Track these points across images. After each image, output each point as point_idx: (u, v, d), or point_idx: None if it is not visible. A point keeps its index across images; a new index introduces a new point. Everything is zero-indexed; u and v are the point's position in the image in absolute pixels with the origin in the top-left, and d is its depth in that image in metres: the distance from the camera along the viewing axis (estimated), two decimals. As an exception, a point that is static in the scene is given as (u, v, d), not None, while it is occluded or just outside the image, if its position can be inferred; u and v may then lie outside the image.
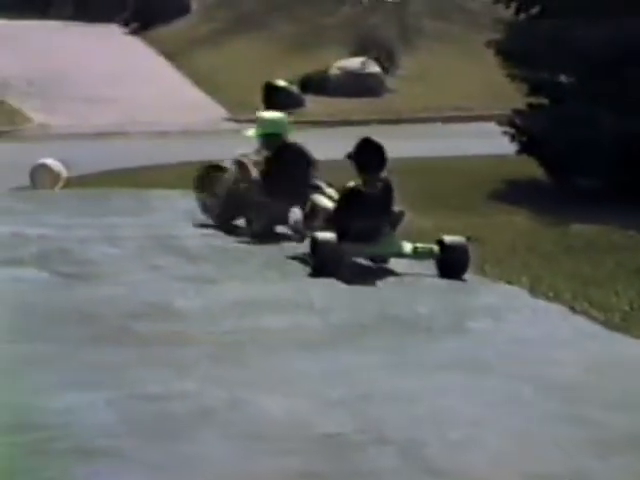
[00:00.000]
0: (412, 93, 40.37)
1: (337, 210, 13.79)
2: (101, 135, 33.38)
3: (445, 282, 13.03)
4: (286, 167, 15.56)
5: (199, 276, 12.93)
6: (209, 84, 42.39)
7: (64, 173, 22.12)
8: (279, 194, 15.03)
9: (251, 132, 16.21)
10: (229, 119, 38.97)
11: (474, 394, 8.94)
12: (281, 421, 8.15)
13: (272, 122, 16.49)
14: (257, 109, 38.44)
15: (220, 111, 40.07)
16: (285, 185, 15.18)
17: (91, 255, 14.01)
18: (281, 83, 39.76)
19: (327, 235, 13.18)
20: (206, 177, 16.32)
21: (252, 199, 15.47)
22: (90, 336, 10.32)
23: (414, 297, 12.23)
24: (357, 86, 41.44)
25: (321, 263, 13.11)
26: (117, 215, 16.89)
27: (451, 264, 13.45)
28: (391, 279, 13.13)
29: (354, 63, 42.84)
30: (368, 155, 13.76)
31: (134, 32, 51.08)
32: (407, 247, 13.54)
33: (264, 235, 15.08)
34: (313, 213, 14.12)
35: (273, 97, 39.73)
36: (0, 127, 36.82)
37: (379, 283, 12.92)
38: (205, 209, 16.27)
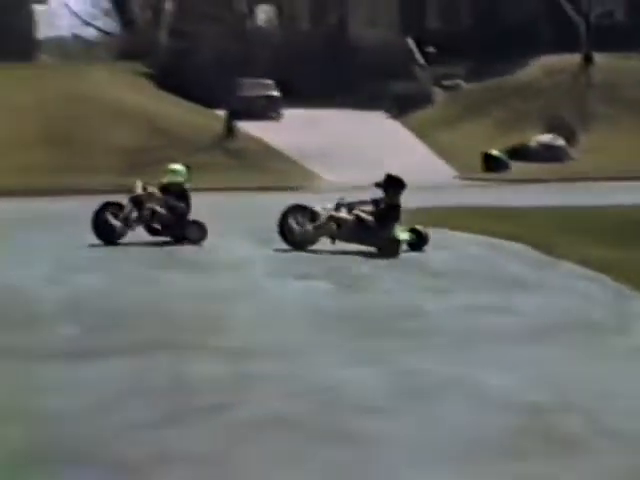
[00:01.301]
0: (587, 160, 39.98)
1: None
2: (369, 188, 33.39)
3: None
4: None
5: (437, 287, 12.79)
6: (445, 153, 42.63)
7: (343, 215, 22.28)
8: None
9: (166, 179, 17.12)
10: (458, 177, 39.26)
11: None
12: (496, 394, 8.02)
13: (174, 172, 17.17)
14: (473, 170, 38.83)
15: (452, 172, 40.16)
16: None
17: (360, 271, 14.05)
18: (495, 152, 40.27)
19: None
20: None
21: None
22: (361, 330, 10.35)
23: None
24: (548, 155, 41.82)
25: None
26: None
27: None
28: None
29: (547, 138, 43.39)
30: (389, 183, 16.57)
31: (394, 116, 51.20)
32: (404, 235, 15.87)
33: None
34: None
35: (489, 162, 39.96)
36: (302, 183, 37.42)
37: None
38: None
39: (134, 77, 52.97)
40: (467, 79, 52.67)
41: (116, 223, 16.42)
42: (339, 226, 15.97)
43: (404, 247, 15.78)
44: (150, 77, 54.55)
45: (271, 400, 7.80)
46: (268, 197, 30.52)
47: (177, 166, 17.60)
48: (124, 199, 16.74)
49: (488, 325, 10.55)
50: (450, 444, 6.78)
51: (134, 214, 16.60)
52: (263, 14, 59.54)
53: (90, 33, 73.73)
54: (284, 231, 16.32)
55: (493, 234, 17.25)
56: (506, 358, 9.17)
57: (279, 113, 50.12)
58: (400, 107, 51.24)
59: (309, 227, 16.14)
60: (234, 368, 8.69)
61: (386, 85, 51.41)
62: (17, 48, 53.82)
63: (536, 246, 15.93)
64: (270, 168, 40.87)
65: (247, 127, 44.93)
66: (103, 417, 7.34)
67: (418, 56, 54.53)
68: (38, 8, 62.98)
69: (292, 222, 16.34)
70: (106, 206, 16.47)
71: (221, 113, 46.26)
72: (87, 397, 7.83)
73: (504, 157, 40.62)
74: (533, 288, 12.77)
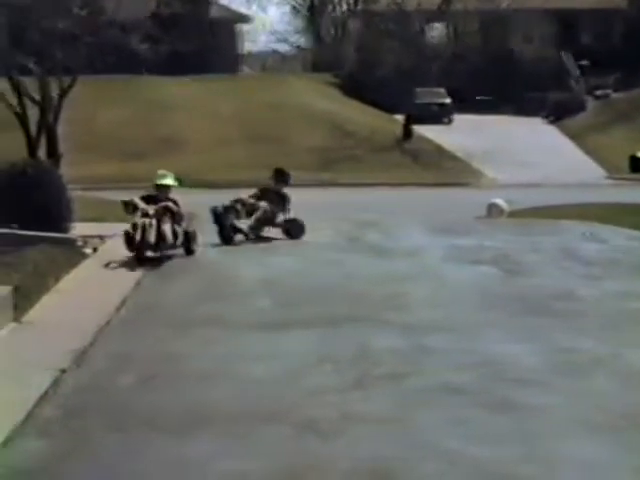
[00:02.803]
0: None
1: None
2: (528, 186, 32.97)
3: None
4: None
5: (590, 274, 12.45)
6: (596, 155, 41.69)
7: (507, 208, 21.97)
8: None
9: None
10: (608, 177, 38.24)
11: None
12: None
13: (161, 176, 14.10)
14: (621, 171, 37.83)
15: (602, 172, 39.22)
16: None
17: (522, 259, 13.82)
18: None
19: None
20: None
21: None
22: (523, 310, 10.17)
23: None
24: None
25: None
26: (538, 235, 16.62)
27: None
28: None
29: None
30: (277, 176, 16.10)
31: (551, 122, 50.46)
32: None
33: None
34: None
35: (636, 164, 38.81)
36: (469, 180, 37.22)
37: None
38: None
39: (324, 86, 53.37)
40: (616, 89, 52.07)
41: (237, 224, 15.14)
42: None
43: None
44: (338, 86, 54.95)
45: (442, 371, 7.74)
46: (440, 192, 30.43)
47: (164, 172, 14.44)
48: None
49: (638, 310, 10.21)
50: (601, 416, 6.60)
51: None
52: (436, 31, 59.30)
53: (286, 48, 74.60)
54: (226, 231, 14.72)
55: (642, 229, 16.76)
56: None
57: (450, 118, 49.98)
58: (556, 114, 50.60)
59: (250, 221, 15.15)
60: (410, 341, 8.65)
61: (544, 95, 50.79)
62: (223, 62, 54.86)
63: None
64: (441, 166, 40.70)
65: (422, 130, 44.90)
66: (295, 382, 7.38)
67: (573, 68, 53.92)
68: (243, 27, 64.11)
69: (231, 220, 14.89)
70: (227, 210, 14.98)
71: (399, 118, 46.31)
72: (281, 364, 7.89)
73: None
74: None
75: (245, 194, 15.60)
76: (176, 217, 13.19)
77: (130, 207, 13.45)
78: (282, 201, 15.72)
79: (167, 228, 12.89)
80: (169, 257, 13.04)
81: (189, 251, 13.30)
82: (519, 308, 10.25)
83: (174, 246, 13.09)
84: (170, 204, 13.28)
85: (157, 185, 13.83)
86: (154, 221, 12.82)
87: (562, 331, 9.17)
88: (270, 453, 5.81)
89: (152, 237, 12.66)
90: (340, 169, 38.57)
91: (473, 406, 6.78)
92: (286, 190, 15.98)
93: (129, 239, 12.76)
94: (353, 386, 7.26)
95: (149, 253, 12.83)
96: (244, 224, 15.09)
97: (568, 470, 5.67)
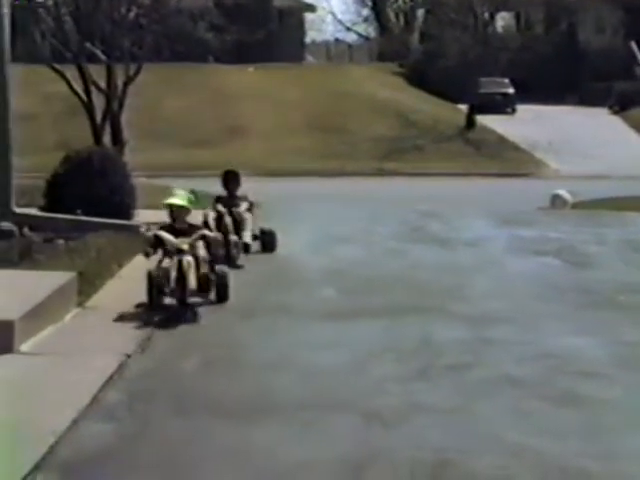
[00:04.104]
0: None
1: None
2: (592, 177, 32.67)
3: None
4: None
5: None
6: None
7: (570, 200, 21.83)
8: None
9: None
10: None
11: None
12: None
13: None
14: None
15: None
16: None
17: (587, 250, 13.67)
18: None
19: None
20: None
21: None
22: (587, 302, 10.05)
23: None
24: None
25: None
26: (602, 227, 16.44)
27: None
28: None
29: None
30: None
31: (615, 113, 49.87)
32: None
33: None
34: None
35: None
36: (531, 170, 36.94)
37: None
38: None
39: (389, 76, 53.26)
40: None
41: None
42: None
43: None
44: (402, 76, 54.82)
45: (505, 362, 7.67)
46: (503, 182, 30.24)
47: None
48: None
49: None
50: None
51: None
52: (502, 21, 58.92)
53: (351, 37, 74.55)
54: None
55: None
56: None
57: (513, 108, 49.65)
58: (621, 104, 49.94)
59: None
60: (473, 332, 8.60)
61: (609, 84, 50.18)
62: (289, 51, 55.04)
63: None
64: (504, 156, 40.47)
65: (485, 120, 44.63)
66: (360, 371, 7.37)
67: (640, 59, 53.25)
68: (308, 16, 64.23)
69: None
70: None
71: (463, 107, 46.06)
72: (346, 353, 7.88)
73: None
74: None
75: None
76: (212, 247, 9.48)
77: (153, 243, 9.51)
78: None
79: (206, 268, 9.30)
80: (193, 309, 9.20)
81: (221, 297, 9.41)
82: (583, 300, 10.13)
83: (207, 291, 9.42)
84: (205, 231, 9.70)
85: (170, 207, 9.62)
86: (191, 259, 9.04)
87: (627, 324, 9.05)
88: (334, 442, 5.81)
89: (193, 281, 9.04)
90: (403, 159, 38.49)
91: (536, 398, 6.73)
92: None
93: (156, 285, 8.96)
94: (416, 376, 7.24)
95: (167, 300, 9.10)
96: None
97: (632, 465, 5.60)
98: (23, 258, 10.84)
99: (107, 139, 25.73)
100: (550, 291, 10.65)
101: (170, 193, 9.69)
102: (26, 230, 12.49)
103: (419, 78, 51.95)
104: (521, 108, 48.53)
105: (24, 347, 7.63)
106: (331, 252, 13.19)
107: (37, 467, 5.25)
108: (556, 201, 21.78)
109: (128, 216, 14.62)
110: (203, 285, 9.18)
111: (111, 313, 8.85)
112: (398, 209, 18.29)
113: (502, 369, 7.46)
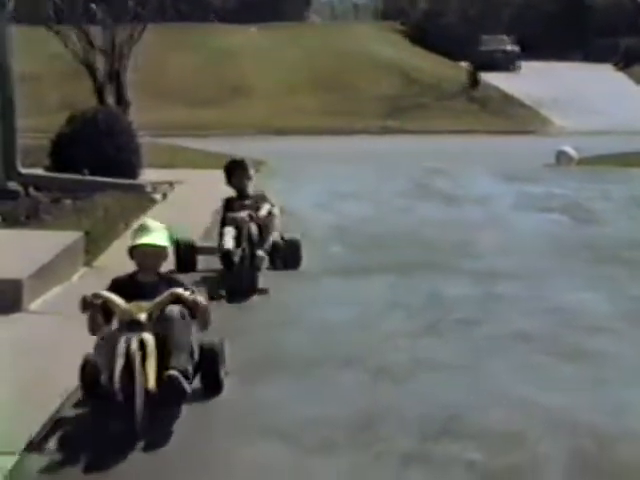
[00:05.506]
0: None
1: None
2: (597, 133, 32.48)
3: None
4: None
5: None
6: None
7: (576, 156, 21.75)
8: None
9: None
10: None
11: None
12: None
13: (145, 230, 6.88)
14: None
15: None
16: None
17: (593, 207, 13.63)
18: None
19: None
20: None
21: None
22: (593, 258, 10.04)
23: None
24: None
25: None
26: (608, 183, 16.39)
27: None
28: None
29: None
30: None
31: (620, 69, 49.63)
32: None
33: None
34: None
35: None
36: (537, 127, 36.80)
37: None
38: None
39: (391, 34, 52.99)
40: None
41: None
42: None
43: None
44: (404, 34, 54.56)
45: (513, 318, 7.67)
46: (508, 139, 30.12)
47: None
48: None
49: None
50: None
51: None
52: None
53: (357, -4, 74.22)
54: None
55: None
56: None
57: (517, 65, 49.48)
58: (626, 60, 49.69)
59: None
60: (481, 288, 8.59)
61: (615, 40, 49.93)
62: (291, 9, 54.74)
63: None
64: (509, 114, 40.31)
65: (488, 77, 44.44)
66: (369, 327, 7.37)
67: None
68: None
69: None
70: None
71: (465, 65, 45.89)
72: (355, 309, 7.87)
73: None
74: None
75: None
76: (197, 314, 5.71)
77: (95, 309, 5.61)
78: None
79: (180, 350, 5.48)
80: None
81: (213, 384, 5.82)
82: (589, 256, 10.12)
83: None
84: (179, 290, 5.68)
85: (138, 247, 5.91)
86: (150, 337, 5.33)
87: (633, 279, 9.05)
88: (345, 397, 5.81)
89: (152, 375, 5.19)
90: (407, 117, 38.35)
91: (544, 353, 6.72)
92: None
93: (90, 376, 5.47)
94: (425, 332, 7.24)
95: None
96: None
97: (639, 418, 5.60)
98: (30, 218, 10.83)
99: (111, 101, 25.60)
100: (557, 247, 10.64)
101: (141, 229, 5.99)
102: (32, 190, 12.47)
103: (421, 36, 51.71)
104: (526, 65, 48.32)
105: (33, 306, 7.63)
106: (338, 209, 13.16)
107: (47, 426, 5.26)
108: (561, 158, 21.70)
109: (134, 175, 14.58)
110: (164, 384, 5.22)
111: (118, 273, 8.81)
112: (404, 166, 18.24)
113: (510, 324, 7.45)
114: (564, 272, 9.37)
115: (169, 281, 5.88)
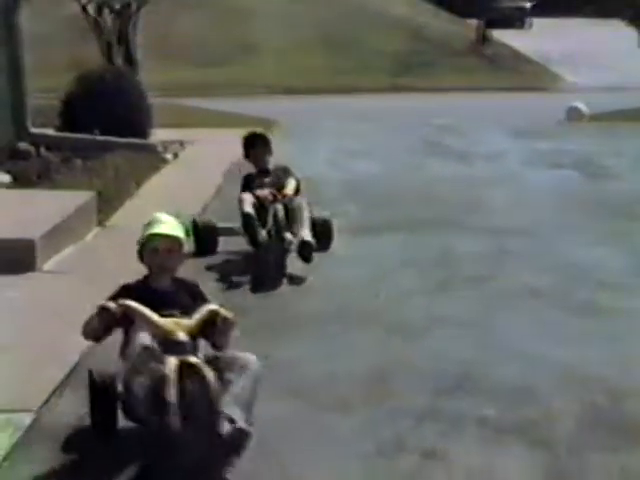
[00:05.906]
0: None
1: None
2: (608, 89, 32.23)
3: None
4: None
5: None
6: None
7: (587, 112, 21.59)
8: None
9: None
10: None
11: None
12: None
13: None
14: None
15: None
16: None
17: (604, 162, 13.56)
18: None
19: None
20: None
21: None
22: (605, 214, 10.01)
23: None
24: None
25: None
26: (620, 138, 16.25)
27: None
28: None
29: None
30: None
31: (630, 23, 49.21)
32: None
33: None
34: None
35: None
36: (548, 84, 36.56)
37: None
38: None
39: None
40: None
41: None
42: None
43: None
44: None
45: (524, 274, 7.68)
46: (518, 96, 29.91)
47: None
48: None
49: None
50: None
51: None
52: None
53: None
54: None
55: None
56: None
57: (524, 21, 49.13)
58: (639, 16, 49.29)
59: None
60: (492, 245, 8.59)
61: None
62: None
63: None
64: (519, 70, 40.01)
65: (499, 34, 44.15)
66: (381, 285, 7.38)
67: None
68: None
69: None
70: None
71: (472, 22, 45.63)
72: (367, 267, 7.89)
73: None
74: None
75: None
76: (218, 336, 4.75)
77: (110, 317, 4.63)
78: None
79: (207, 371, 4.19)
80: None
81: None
82: (601, 212, 10.11)
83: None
84: (215, 307, 4.76)
85: (149, 242, 5.01)
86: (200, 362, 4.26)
87: (627, 237, 9.01)
88: (358, 354, 5.83)
89: (173, 394, 4.02)
90: (417, 74, 38.11)
91: (555, 309, 6.75)
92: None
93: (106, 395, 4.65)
94: (437, 289, 7.26)
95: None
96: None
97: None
98: (41, 178, 10.84)
99: (119, 62, 25.50)
100: (569, 203, 10.62)
101: (150, 222, 5.09)
102: (43, 150, 12.46)
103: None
104: (536, 22, 48.00)
105: (46, 266, 7.66)
106: (349, 168, 13.13)
107: (62, 385, 5.29)
108: (573, 113, 21.55)
109: (145, 135, 14.55)
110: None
111: (131, 232, 8.81)
112: (414, 124, 18.15)
113: (522, 280, 7.47)
114: (576, 228, 9.37)
115: (187, 287, 4.99)
